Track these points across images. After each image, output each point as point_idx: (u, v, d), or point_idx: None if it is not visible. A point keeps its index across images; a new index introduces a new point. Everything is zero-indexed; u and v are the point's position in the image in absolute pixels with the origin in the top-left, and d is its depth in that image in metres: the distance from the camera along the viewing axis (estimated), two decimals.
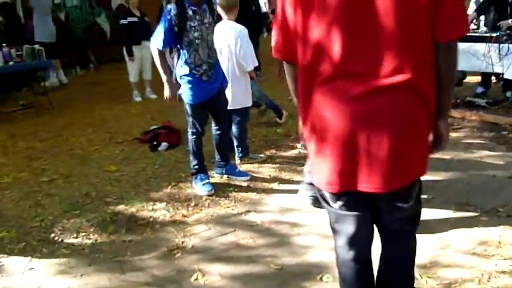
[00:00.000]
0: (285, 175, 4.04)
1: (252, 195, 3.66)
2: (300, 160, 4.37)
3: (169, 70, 3.65)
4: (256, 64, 4.18)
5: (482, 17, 6.40)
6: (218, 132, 3.87)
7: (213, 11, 3.63)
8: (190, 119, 3.69)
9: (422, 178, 1.77)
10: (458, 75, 6.48)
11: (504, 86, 5.97)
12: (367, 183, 1.59)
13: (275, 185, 3.83)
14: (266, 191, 3.73)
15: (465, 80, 6.83)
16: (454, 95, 6.03)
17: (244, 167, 4.19)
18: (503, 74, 5.29)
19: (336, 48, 1.52)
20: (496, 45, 5.09)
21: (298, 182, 3.85)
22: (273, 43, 1.73)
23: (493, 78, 6.33)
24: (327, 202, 1.79)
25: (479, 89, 6.18)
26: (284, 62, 1.77)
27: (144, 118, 6.25)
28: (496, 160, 4.14)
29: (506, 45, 5.04)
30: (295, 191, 3.59)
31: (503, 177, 3.75)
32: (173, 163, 4.47)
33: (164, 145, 4.87)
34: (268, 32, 11.15)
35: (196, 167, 3.77)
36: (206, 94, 3.60)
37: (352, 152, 1.56)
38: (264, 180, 3.94)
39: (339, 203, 1.74)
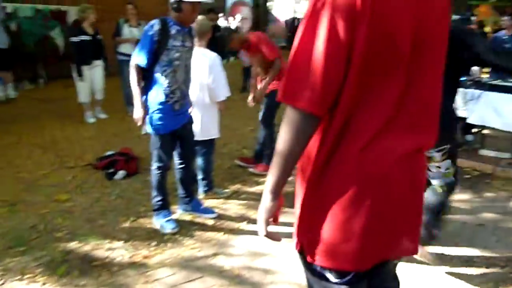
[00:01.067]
0: (252, 213, 3.82)
1: (219, 235, 3.42)
2: None
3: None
4: (229, 94, 4.00)
5: None
6: (183, 165, 3.62)
7: (193, 37, 3.45)
8: (155, 151, 3.42)
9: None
10: None
11: (464, 130, 6.07)
12: (405, 247, 1.41)
13: (243, 225, 3.61)
14: (234, 231, 3.49)
15: None
16: None
17: (208, 203, 3.94)
18: (466, 118, 5.36)
19: (397, 94, 1.28)
20: (462, 89, 5.16)
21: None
22: (307, 91, 1.22)
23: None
24: (326, 279, 1.44)
25: None
26: (303, 114, 1.24)
27: (99, 141, 5.89)
28: (464, 206, 4.11)
29: (471, 90, 5.12)
30: None
31: (474, 225, 3.71)
32: (131, 194, 4.16)
33: (121, 173, 4.54)
34: (234, 56, 11.02)
35: (160, 203, 3.49)
36: (177, 124, 3.37)
37: (401, 216, 1.37)
38: (231, 218, 3.71)
39: (348, 278, 1.42)
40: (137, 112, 3.29)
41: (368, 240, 1.32)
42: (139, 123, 3.32)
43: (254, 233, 3.49)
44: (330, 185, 1.32)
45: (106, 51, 7.27)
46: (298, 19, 18.10)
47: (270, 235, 1.42)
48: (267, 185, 1.38)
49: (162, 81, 3.23)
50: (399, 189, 1.32)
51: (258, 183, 4.53)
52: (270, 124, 4.76)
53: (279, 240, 1.43)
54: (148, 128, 3.38)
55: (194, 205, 3.71)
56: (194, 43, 3.51)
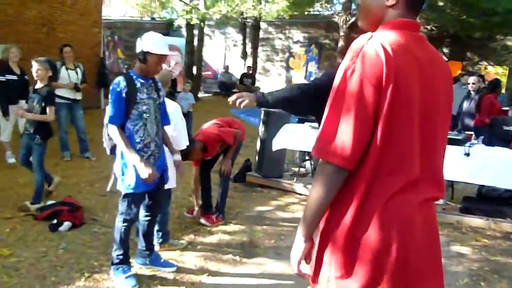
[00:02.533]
0: (211, 265, 3.76)
1: None
2: (223, 247, 4.16)
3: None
4: (187, 143, 3.98)
5: None
6: (150, 217, 3.51)
7: (158, 89, 3.40)
8: (124, 204, 3.28)
9: None
10: None
11: None
12: None
13: (203, 278, 3.53)
14: (196, 285, 3.41)
15: None
16: None
17: (164, 255, 3.82)
18: None
19: (415, 151, 1.46)
20: None
21: (226, 274, 3.62)
22: (343, 146, 1.39)
23: None
24: None
25: None
26: (336, 168, 1.42)
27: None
28: None
29: None
30: (226, 285, 3.34)
31: None
32: (80, 247, 3.93)
33: (66, 224, 4.29)
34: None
35: (121, 257, 3.32)
36: (154, 180, 3.25)
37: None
38: (190, 271, 3.62)
39: None
40: (146, 171, 3.09)
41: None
42: (151, 179, 3.15)
43: (217, 285, 3.43)
44: (359, 232, 1.45)
45: None
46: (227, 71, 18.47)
47: (302, 274, 1.60)
48: (300, 231, 1.55)
49: (133, 136, 3.17)
50: (421, 235, 1.45)
51: (211, 233, 4.48)
52: (229, 177, 4.92)
53: (308, 278, 1.61)
54: (121, 187, 3.25)
55: (154, 259, 3.57)
56: (161, 94, 3.44)
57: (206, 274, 3.59)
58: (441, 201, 5.68)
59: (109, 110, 3.16)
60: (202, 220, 4.69)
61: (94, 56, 12.55)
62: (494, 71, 14.60)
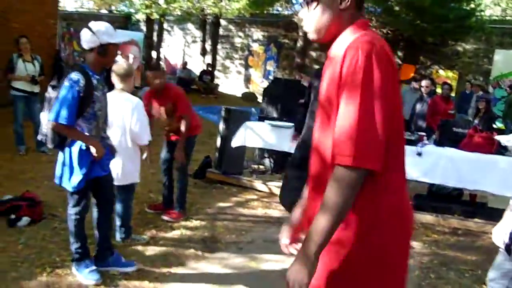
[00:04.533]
0: (174, 260, 3.80)
1: (145, 284, 3.34)
2: (185, 242, 4.21)
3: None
4: (150, 138, 4.01)
5: None
6: (100, 216, 3.48)
7: (109, 79, 3.40)
8: (75, 196, 3.27)
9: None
10: None
11: None
12: None
13: (167, 272, 3.57)
14: (159, 279, 3.44)
15: None
16: None
17: (127, 250, 3.84)
18: None
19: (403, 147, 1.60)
20: None
21: (189, 269, 3.69)
22: (373, 151, 1.37)
23: None
24: None
25: None
26: (362, 173, 1.38)
27: None
28: None
29: None
30: (189, 279, 3.41)
31: None
32: (41, 242, 3.89)
33: (25, 219, 4.22)
34: None
35: (80, 250, 3.31)
36: (100, 172, 3.27)
37: None
38: (153, 265, 3.65)
39: None
40: (99, 148, 3.10)
41: None
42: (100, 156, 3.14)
43: (180, 279, 3.48)
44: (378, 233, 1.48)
45: None
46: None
47: None
48: (311, 249, 1.40)
49: (86, 133, 3.14)
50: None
51: (173, 228, 4.52)
52: (186, 171, 4.97)
53: None
54: (66, 184, 3.19)
55: (114, 260, 3.51)
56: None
57: (169, 268, 3.63)
58: None
59: (59, 107, 2.98)
60: (164, 217, 4.71)
61: (49, 48, 12.20)
62: (445, 75, 15.24)
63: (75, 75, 3.04)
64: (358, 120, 1.37)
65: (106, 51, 3.11)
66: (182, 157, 4.64)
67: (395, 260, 1.53)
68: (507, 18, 16.79)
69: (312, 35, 1.63)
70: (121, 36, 3.19)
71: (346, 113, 1.40)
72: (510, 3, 15.45)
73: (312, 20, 1.60)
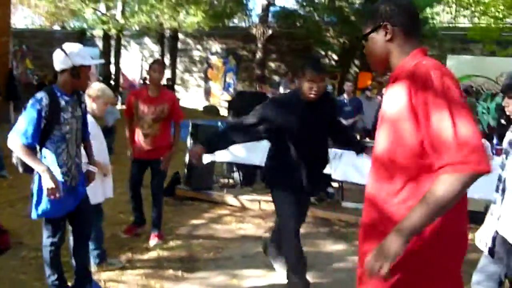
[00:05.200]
0: (154, 282, 3.70)
1: None
2: (163, 263, 4.11)
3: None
4: (107, 161, 3.91)
5: None
6: (80, 244, 3.31)
7: (81, 104, 3.23)
8: (48, 227, 3.12)
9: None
10: None
11: (326, 184, 6.70)
12: None
13: None
14: None
15: None
16: None
17: (103, 276, 3.71)
18: (330, 174, 5.95)
19: None
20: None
21: None
22: (483, 155, 1.47)
23: None
24: None
25: None
26: (476, 176, 1.48)
27: None
28: (343, 254, 4.54)
29: (333, 149, 5.74)
30: None
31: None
32: (11, 273, 3.70)
33: None
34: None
35: (56, 282, 3.16)
36: (72, 202, 3.12)
37: None
38: None
39: None
40: (50, 182, 2.84)
41: None
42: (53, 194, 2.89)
43: None
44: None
45: None
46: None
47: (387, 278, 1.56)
48: (406, 230, 1.52)
49: (56, 159, 2.98)
50: None
51: (148, 250, 4.41)
52: (161, 191, 4.88)
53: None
54: (34, 214, 3.02)
55: None
56: (83, 107, 3.24)
57: None
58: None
59: (21, 125, 2.86)
60: (153, 242, 4.55)
61: (1, 67, 11.79)
62: None
63: (39, 94, 2.94)
64: (458, 128, 1.48)
65: (79, 73, 3.01)
66: (168, 163, 4.65)
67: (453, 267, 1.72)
68: (457, 25, 17.48)
69: (373, 67, 1.90)
70: (94, 58, 3.08)
71: (442, 126, 1.49)
72: (459, 10, 16.15)
73: (367, 54, 1.84)
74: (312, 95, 3.11)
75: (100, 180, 3.82)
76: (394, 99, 1.67)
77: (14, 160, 3.10)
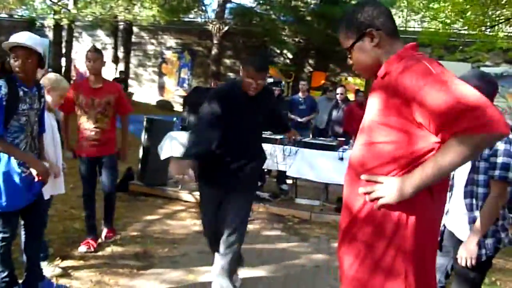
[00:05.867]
0: (108, 278, 3.64)
1: None
2: (117, 259, 4.06)
3: None
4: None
5: None
6: (28, 240, 3.21)
7: (42, 97, 3.14)
8: (1, 222, 2.97)
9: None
10: None
11: (279, 180, 6.80)
12: None
13: None
14: None
15: None
16: None
17: (56, 272, 3.61)
18: (285, 171, 6.05)
19: None
20: (281, 146, 5.84)
21: (126, 286, 3.55)
22: (500, 116, 1.46)
23: None
24: None
25: None
26: (493, 137, 1.50)
27: None
28: (297, 250, 4.63)
29: (289, 147, 5.84)
30: None
31: (311, 267, 4.22)
32: None
33: None
34: None
35: (7, 279, 3.03)
36: (29, 196, 3.02)
37: None
38: (88, 286, 3.47)
39: None
40: (40, 166, 2.95)
41: None
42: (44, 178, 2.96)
43: None
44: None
45: None
46: None
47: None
48: (414, 181, 1.58)
49: None
50: None
51: (102, 246, 4.33)
52: (115, 189, 4.67)
53: None
54: None
55: (45, 285, 3.30)
56: (42, 101, 3.15)
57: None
58: (317, 203, 6.16)
59: None
60: (106, 237, 4.45)
61: None
62: (353, 82, 16.08)
63: None
64: (464, 94, 1.46)
65: (41, 63, 2.99)
66: (126, 155, 4.62)
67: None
68: (407, 29, 18.06)
69: (364, 76, 1.92)
70: (44, 48, 2.99)
71: (445, 96, 1.47)
72: (410, 14, 16.71)
73: (356, 64, 1.81)
74: (250, 92, 3.06)
75: (51, 175, 3.71)
76: (383, 102, 1.66)
77: None
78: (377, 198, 1.66)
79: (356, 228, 1.76)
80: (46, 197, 3.53)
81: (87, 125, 4.23)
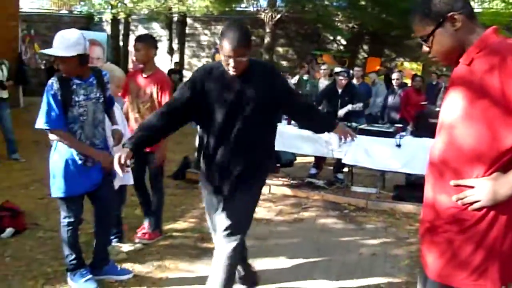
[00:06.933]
0: (169, 263, 3.76)
1: None
2: (177, 245, 4.17)
3: None
4: None
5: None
6: (97, 223, 3.36)
7: (103, 85, 3.26)
8: (64, 207, 3.18)
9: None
10: (290, 157, 7.12)
11: (336, 168, 6.73)
12: None
13: (163, 276, 3.53)
14: (157, 284, 3.40)
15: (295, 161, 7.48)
16: (290, 175, 6.58)
17: (120, 257, 3.77)
18: (341, 159, 5.98)
19: None
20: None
21: (186, 271, 3.65)
22: None
23: None
24: None
25: (312, 171, 6.85)
26: None
27: None
28: (353, 238, 4.58)
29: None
30: (186, 282, 3.39)
31: (368, 255, 4.16)
32: (29, 253, 3.77)
33: (9, 231, 4.08)
34: None
35: (74, 262, 3.22)
36: (87, 183, 3.17)
37: None
38: (149, 271, 3.60)
39: None
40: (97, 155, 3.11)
41: None
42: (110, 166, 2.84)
43: (177, 283, 3.45)
44: None
45: None
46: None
47: None
48: (510, 184, 1.56)
49: None
50: None
51: (163, 232, 4.45)
52: (162, 186, 4.37)
53: None
54: (54, 192, 3.13)
55: (109, 268, 3.43)
56: (106, 91, 3.28)
57: (166, 273, 3.59)
58: (374, 190, 6.06)
59: (40, 113, 2.99)
60: (137, 239, 4.23)
61: (10, 52, 11.76)
62: (410, 67, 15.59)
63: (50, 80, 3.04)
64: None
65: (87, 59, 3.10)
66: (162, 158, 4.14)
67: None
68: None
69: (445, 62, 1.84)
70: (102, 43, 3.07)
71: None
72: None
73: (436, 51, 1.75)
74: (230, 71, 2.54)
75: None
76: (479, 89, 1.59)
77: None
78: (471, 203, 1.64)
79: (441, 225, 1.74)
80: (115, 187, 3.68)
81: (131, 115, 4.16)
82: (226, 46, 2.47)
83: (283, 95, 2.75)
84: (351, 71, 7.69)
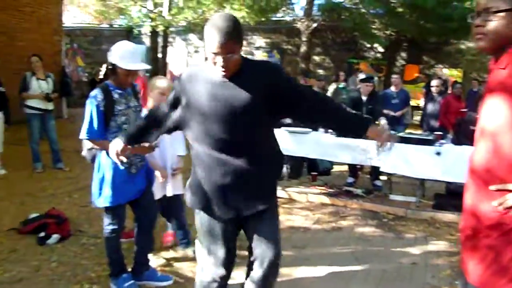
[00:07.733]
0: None
1: None
2: None
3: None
4: (184, 150, 3.98)
5: None
6: (138, 230, 3.44)
7: (137, 95, 3.41)
8: (109, 216, 3.27)
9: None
10: (327, 165, 7.10)
11: (373, 176, 6.66)
12: None
13: None
14: None
15: (332, 170, 7.45)
16: (328, 184, 6.56)
17: (160, 261, 3.85)
18: (379, 167, 5.91)
19: None
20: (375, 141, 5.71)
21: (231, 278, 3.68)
22: None
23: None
24: None
25: (349, 180, 6.80)
26: None
27: (12, 202, 5.43)
28: (393, 247, 4.51)
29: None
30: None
31: (408, 264, 4.09)
32: (73, 259, 3.90)
33: (55, 237, 4.24)
34: None
35: (118, 268, 3.33)
36: (133, 190, 3.27)
37: None
38: (190, 278, 3.65)
39: None
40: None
41: None
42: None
43: None
44: None
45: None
46: None
47: None
48: None
49: None
50: None
51: None
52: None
53: None
54: (98, 202, 3.21)
55: (149, 274, 3.52)
56: (140, 100, 3.42)
57: None
58: (413, 199, 5.95)
59: (86, 125, 3.11)
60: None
61: (54, 65, 12.22)
62: (450, 74, 15.26)
63: (93, 92, 3.16)
64: None
65: (115, 71, 3.16)
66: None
67: None
68: None
69: (486, 45, 1.70)
70: (132, 62, 3.13)
71: None
72: None
73: (489, 31, 1.68)
74: (220, 72, 2.13)
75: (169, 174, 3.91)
76: None
77: (83, 153, 3.37)
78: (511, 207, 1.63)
79: (481, 231, 1.73)
80: (157, 196, 3.75)
81: None
82: (212, 41, 2.05)
83: (286, 94, 2.24)
84: (375, 78, 7.62)
